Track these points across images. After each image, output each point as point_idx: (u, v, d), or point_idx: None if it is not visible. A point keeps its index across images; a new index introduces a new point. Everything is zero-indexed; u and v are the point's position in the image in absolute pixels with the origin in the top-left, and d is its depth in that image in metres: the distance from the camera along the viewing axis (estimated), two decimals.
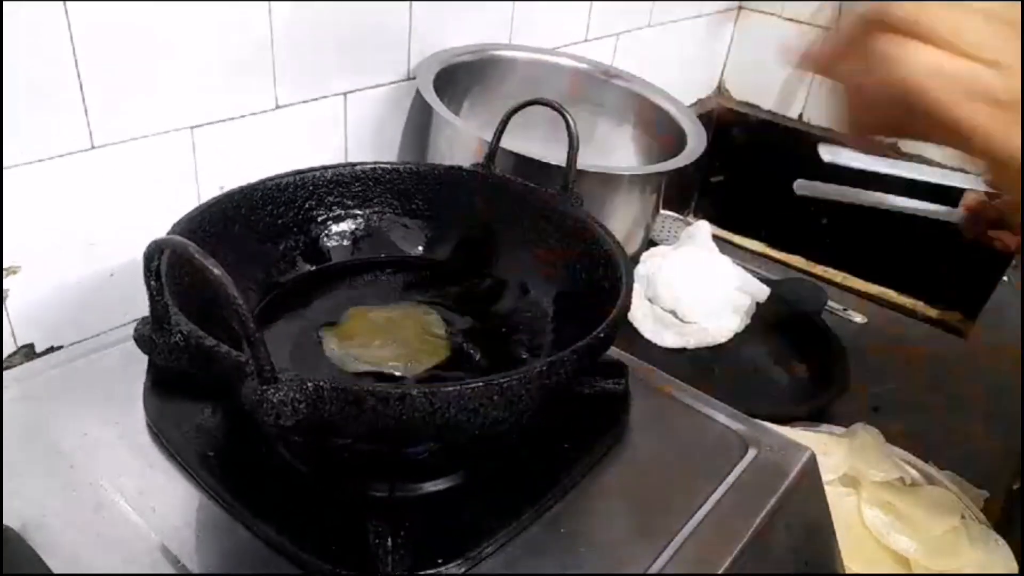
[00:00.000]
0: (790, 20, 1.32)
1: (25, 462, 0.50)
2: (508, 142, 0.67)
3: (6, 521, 0.45)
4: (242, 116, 0.70)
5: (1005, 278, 1.09)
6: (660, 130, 0.93)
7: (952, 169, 0.73)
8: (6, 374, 0.58)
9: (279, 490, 0.49)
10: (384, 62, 0.81)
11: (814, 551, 0.58)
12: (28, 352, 0.64)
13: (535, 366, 0.43)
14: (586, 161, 0.68)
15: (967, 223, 0.72)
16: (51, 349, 0.65)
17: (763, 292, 0.98)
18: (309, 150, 0.77)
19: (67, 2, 0.56)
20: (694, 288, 0.93)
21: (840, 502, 0.70)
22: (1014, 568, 0.67)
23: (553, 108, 0.61)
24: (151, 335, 0.44)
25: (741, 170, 1.42)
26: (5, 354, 0.62)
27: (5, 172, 0.57)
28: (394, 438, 0.43)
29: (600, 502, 0.52)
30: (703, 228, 1.01)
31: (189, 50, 0.64)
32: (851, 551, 0.66)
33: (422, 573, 0.44)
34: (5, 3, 0.52)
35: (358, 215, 0.68)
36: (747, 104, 1.42)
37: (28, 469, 0.50)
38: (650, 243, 1.00)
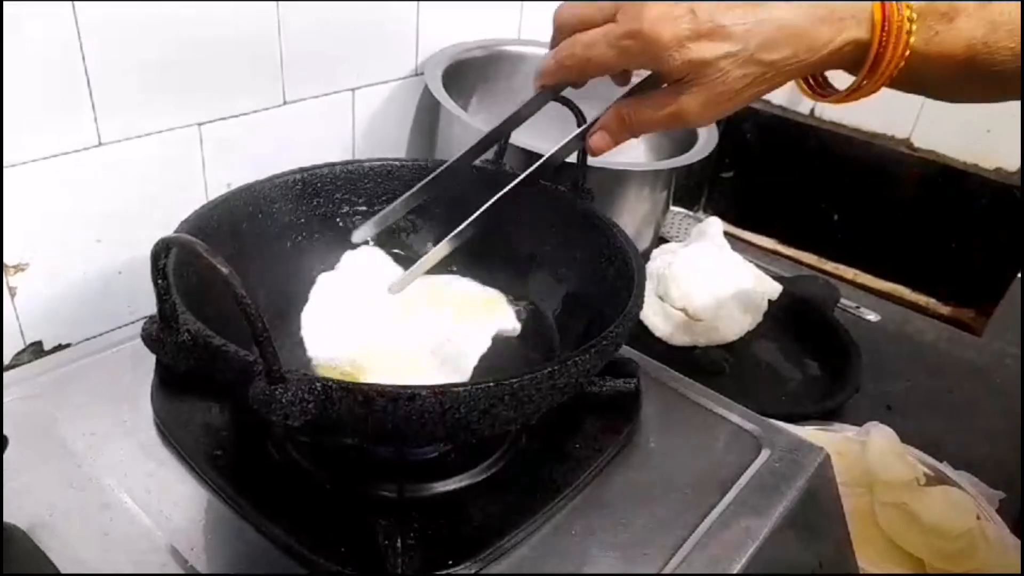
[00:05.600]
0: None
1: (32, 461, 0.50)
2: (518, 138, 0.66)
3: (14, 520, 0.45)
4: (248, 113, 0.70)
5: (1020, 275, 1.08)
6: None
7: None
8: (14, 372, 0.58)
9: (288, 490, 0.49)
10: (392, 58, 0.81)
11: (829, 552, 0.58)
12: (36, 350, 0.63)
13: (546, 367, 0.43)
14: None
15: None
16: (59, 347, 0.65)
17: (775, 289, 0.97)
18: (317, 147, 0.76)
19: (75, 1, 0.55)
20: (705, 286, 0.92)
21: (854, 502, 0.70)
22: None
23: (564, 103, 0.60)
24: (159, 334, 0.44)
25: (752, 166, 1.41)
26: (14, 352, 0.62)
27: (14, 169, 0.57)
28: (404, 438, 0.43)
29: (612, 503, 0.51)
30: (714, 224, 1.00)
31: (196, 46, 0.64)
32: (865, 552, 0.65)
33: (432, 574, 0.44)
34: (10, 1, 0.52)
35: (367, 212, 0.67)
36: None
37: (35, 468, 0.50)
38: (660, 240, 0.99)
